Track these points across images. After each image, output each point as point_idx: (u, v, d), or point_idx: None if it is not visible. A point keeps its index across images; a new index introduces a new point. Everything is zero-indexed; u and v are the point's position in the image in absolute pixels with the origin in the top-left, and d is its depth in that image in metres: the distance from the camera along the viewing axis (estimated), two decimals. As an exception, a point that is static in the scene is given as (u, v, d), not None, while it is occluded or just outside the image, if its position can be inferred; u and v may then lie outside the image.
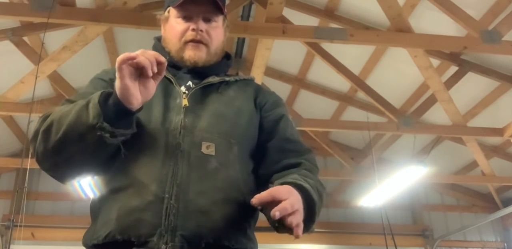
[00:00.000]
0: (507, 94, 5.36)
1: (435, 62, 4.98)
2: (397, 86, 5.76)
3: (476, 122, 5.65)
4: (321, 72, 6.04)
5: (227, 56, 1.44)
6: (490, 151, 6.45)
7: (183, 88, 1.28)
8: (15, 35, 4.61)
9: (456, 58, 5.12)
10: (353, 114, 6.35)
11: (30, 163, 3.73)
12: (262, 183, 1.21)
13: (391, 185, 5.79)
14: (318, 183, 1.17)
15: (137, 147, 1.15)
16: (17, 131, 6.44)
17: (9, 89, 4.71)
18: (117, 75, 1.03)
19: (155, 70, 1.05)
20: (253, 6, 5.15)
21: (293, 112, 6.13)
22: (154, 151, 1.14)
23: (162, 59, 1.06)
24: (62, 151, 1.11)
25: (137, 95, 1.05)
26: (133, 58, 1.02)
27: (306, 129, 5.83)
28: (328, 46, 4.76)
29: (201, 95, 1.28)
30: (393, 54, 5.25)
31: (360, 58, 5.53)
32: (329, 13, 5.10)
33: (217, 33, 1.36)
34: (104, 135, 1.05)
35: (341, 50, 5.00)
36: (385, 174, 5.69)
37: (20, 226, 4.85)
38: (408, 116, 5.38)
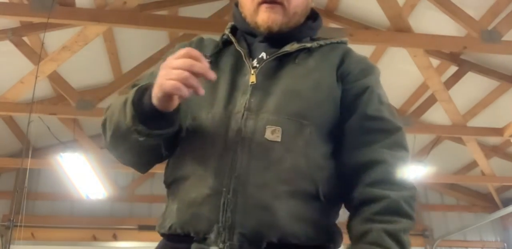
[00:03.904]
0: (507, 94, 5.36)
1: (435, 62, 4.98)
2: (397, 86, 5.76)
3: (476, 122, 5.65)
4: (321, 72, 6.03)
5: (313, 16, 1.25)
6: (490, 151, 6.45)
7: (254, 62, 1.11)
8: (15, 35, 4.60)
9: (456, 58, 5.12)
10: (353, 114, 6.34)
11: (30, 163, 3.74)
12: (347, 175, 1.05)
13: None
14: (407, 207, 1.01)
15: (198, 134, 1.05)
16: (17, 131, 6.44)
17: (9, 89, 4.71)
18: (161, 78, 0.90)
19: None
20: (253, 6, 5.14)
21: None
22: (214, 139, 1.02)
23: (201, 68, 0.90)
24: (115, 148, 1.07)
25: (173, 102, 0.94)
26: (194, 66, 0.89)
27: (306, 129, 5.83)
28: (328, 46, 4.75)
29: (275, 68, 1.10)
30: (393, 54, 5.25)
31: (360, 58, 5.53)
32: (329, 13, 5.11)
33: None
34: (140, 138, 0.98)
35: (341, 50, 4.99)
36: (385, 174, 5.68)
37: (20, 226, 4.85)
38: (408, 116, 5.38)
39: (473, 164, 6.62)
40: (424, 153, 6.24)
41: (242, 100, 1.05)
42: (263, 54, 1.12)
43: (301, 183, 0.99)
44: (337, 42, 1.21)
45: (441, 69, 5.20)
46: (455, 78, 5.11)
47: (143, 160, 1.11)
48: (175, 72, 0.88)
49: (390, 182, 1.00)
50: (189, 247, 0.96)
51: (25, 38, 4.72)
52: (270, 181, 0.97)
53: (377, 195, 0.98)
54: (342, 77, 1.12)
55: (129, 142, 1.01)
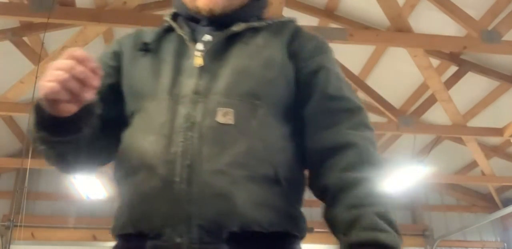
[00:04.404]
0: (507, 94, 5.36)
1: (435, 62, 4.98)
2: (397, 86, 5.76)
3: (476, 122, 5.65)
4: (321, 72, 6.03)
5: None
6: (490, 151, 6.45)
7: (199, 45, 1.05)
8: (15, 36, 4.60)
9: (456, 58, 5.12)
10: (353, 114, 6.34)
11: (30, 163, 3.73)
12: (313, 160, 0.98)
13: (391, 185, 5.79)
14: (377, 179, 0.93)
15: (144, 124, 0.98)
16: (17, 131, 6.44)
17: (9, 89, 4.71)
18: (42, 80, 0.82)
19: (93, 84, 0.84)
20: (253, 6, 5.15)
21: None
22: (162, 127, 0.95)
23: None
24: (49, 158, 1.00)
25: (63, 106, 0.83)
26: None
27: (306, 129, 5.83)
28: (328, 46, 4.75)
29: (222, 50, 1.04)
30: (393, 54, 5.25)
31: (360, 58, 5.53)
32: (329, 13, 5.11)
33: None
34: (41, 146, 0.92)
35: (341, 50, 4.98)
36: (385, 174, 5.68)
37: (20, 226, 4.86)
38: (408, 116, 5.38)
39: (473, 164, 6.62)
40: (424, 153, 6.24)
41: (189, 84, 0.98)
42: (208, 37, 1.06)
43: (259, 167, 0.92)
44: (286, 21, 1.15)
45: (441, 69, 5.20)
46: (455, 78, 5.11)
47: (83, 157, 1.02)
48: (54, 74, 0.81)
49: (366, 165, 0.93)
50: (144, 246, 0.89)
51: (25, 38, 4.72)
52: (226, 167, 0.90)
53: (357, 179, 0.91)
54: (294, 54, 1.06)
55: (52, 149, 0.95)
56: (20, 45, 4.66)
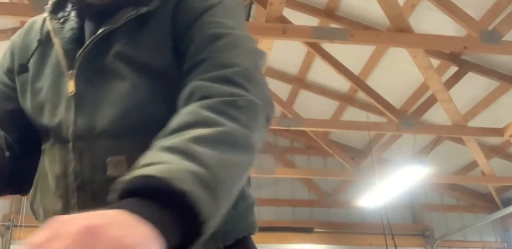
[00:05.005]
0: (507, 94, 5.36)
1: (435, 62, 4.98)
2: (397, 86, 5.76)
3: (476, 122, 5.65)
4: (321, 72, 6.03)
5: None
6: (490, 151, 6.44)
7: (78, 54, 0.78)
8: (15, 35, 4.61)
9: (456, 58, 5.12)
10: (353, 114, 6.34)
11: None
12: None
13: (391, 185, 5.79)
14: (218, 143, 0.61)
15: (43, 173, 0.82)
16: (17, 131, 6.44)
17: (9, 89, 4.72)
18: None
19: None
20: (253, 6, 5.15)
21: (293, 112, 6.13)
22: (56, 185, 0.79)
23: None
24: None
25: None
26: None
27: (306, 129, 5.83)
28: (328, 46, 4.75)
29: (98, 61, 0.78)
30: (393, 54, 5.25)
31: (360, 58, 5.53)
32: (329, 13, 5.11)
33: None
34: None
35: (341, 50, 4.99)
36: (385, 174, 5.69)
37: (20, 226, 4.86)
38: (408, 116, 5.38)
39: (473, 164, 6.62)
40: (424, 153, 6.24)
41: (68, 123, 0.77)
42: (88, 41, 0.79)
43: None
44: None
45: (441, 69, 5.20)
46: (456, 78, 5.11)
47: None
48: None
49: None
50: None
51: (25, 38, 4.73)
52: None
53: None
54: (178, 36, 0.78)
55: None
56: (20, 45, 4.66)
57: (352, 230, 7.36)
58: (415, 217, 7.76)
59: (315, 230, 7.20)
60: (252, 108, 0.68)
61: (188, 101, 0.68)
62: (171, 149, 0.57)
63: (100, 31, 0.77)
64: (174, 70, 0.77)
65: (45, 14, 0.88)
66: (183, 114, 0.64)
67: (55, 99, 0.79)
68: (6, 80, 0.89)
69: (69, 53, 0.79)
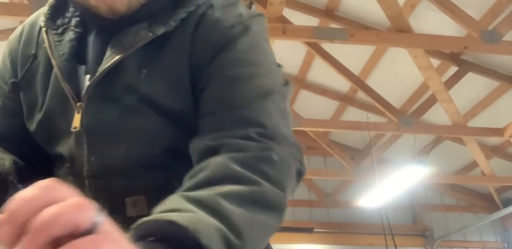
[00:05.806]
0: (507, 94, 5.36)
1: (435, 62, 4.98)
2: (397, 86, 5.76)
3: (476, 122, 5.65)
4: (321, 72, 6.04)
5: None
6: (490, 151, 6.44)
7: (87, 79, 0.72)
8: (15, 35, 4.61)
9: (456, 58, 5.12)
10: (353, 114, 6.34)
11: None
12: None
13: (391, 185, 5.79)
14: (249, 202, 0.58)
15: None
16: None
17: (9, 89, 4.71)
18: None
19: None
20: (253, 6, 5.14)
21: (293, 112, 6.13)
22: None
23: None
24: None
25: None
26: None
27: (306, 129, 5.83)
28: (328, 46, 4.75)
29: (113, 88, 0.71)
30: (393, 54, 5.25)
31: (360, 58, 5.53)
32: (329, 13, 5.11)
33: None
34: None
35: (341, 50, 4.99)
36: (385, 174, 5.69)
37: None
38: (408, 116, 5.38)
39: (473, 164, 6.62)
40: (424, 153, 6.24)
41: (81, 159, 0.72)
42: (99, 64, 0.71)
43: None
44: (190, 10, 0.74)
45: (441, 69, 5.20)
46: (456, 78, 5.11)
47: None
48: None
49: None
50: None
51: (25, 38, 4.72)
52: None
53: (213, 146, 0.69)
54: (196, 68, 0.71)
55: None
56: (20, 45, 4.66)
57: (352, 230, 7.36)
58: (415, 217, 7.76)
59: (315, 230, 7.21)
60: (284, 163, 0.65)
61: (214, 152, 0.63)
62: (199, 202, 0.54)
63: (112, 61, 0.70)
64: (192, 110, 0.72)
65: (41, 22, 0.81)
66: (213, 166, 0.60)
67: (64, 128, 0.72)
68: (8, 93, 0.82)
69: (71, 78, 0.72)
